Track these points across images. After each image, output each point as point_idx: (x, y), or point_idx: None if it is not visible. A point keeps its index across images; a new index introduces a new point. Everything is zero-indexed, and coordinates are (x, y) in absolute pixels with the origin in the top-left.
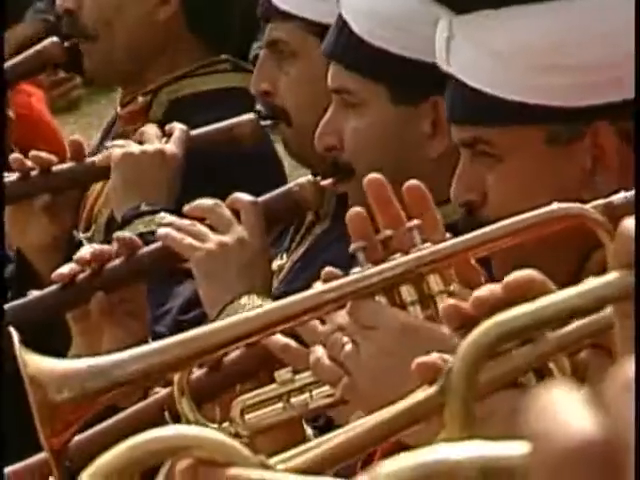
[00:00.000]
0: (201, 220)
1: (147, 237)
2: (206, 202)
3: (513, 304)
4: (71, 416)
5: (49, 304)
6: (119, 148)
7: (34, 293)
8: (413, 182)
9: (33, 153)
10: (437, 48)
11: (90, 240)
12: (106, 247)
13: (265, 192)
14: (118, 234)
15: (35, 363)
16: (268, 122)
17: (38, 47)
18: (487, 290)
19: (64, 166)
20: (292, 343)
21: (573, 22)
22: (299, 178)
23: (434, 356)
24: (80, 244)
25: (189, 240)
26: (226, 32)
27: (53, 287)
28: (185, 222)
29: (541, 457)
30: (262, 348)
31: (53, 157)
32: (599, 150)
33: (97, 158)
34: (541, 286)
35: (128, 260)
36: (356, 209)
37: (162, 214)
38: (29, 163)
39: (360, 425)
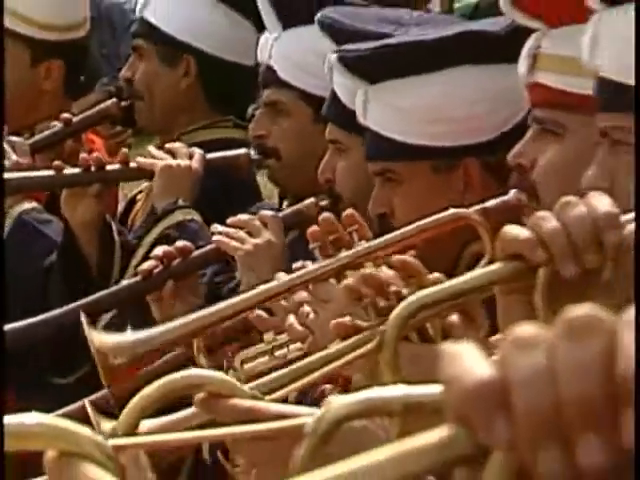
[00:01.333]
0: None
1: (185, 224)
2: (243, 216)
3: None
4: (125, 373)
5: (135, 290)
6: (161, 160)
7: (123, 282)
8: (350, 211)
9: (93, 154)
10: (356, 108)
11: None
12: (171, 248)
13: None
14: (177, 244)
15: (99, 338)
16: (258, 157)
17: (102, 106)
18: (380, 271)
19: (115, 166)
20: (264, 314)
21: (447, 89)
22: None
23: (347, 319)
24: (110, 224)
25: (234, 243)
26: (230, 99)
27: (137, 278)
28: (231, 230)
29: (451, 395)
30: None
31: (108, 158)
32: (468, 177)
33: (140, 161)
34: (414, 267)
35: (188, 258)
36: (314, 227)
37: (215, 225)
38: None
39: (317, 355)
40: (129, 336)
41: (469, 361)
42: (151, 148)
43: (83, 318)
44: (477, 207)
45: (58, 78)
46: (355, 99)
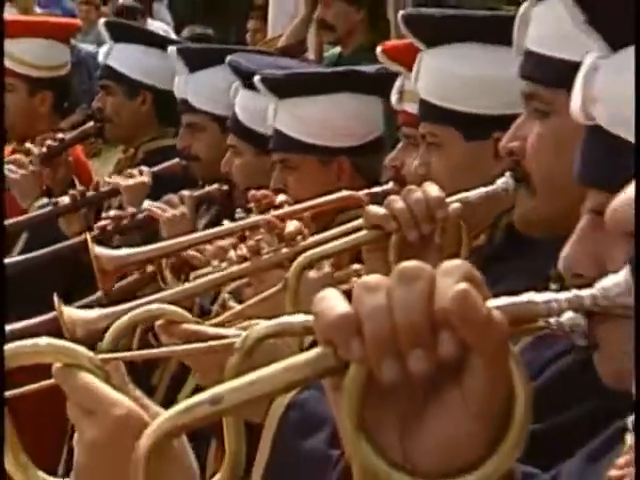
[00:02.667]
0: None
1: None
2: (169, 196)
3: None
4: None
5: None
6: (124, 181)
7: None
8: (262, 192)
9: (79, 188)
10: (268, 115)
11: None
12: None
13: None
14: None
15: (99, 250)
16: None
17: (84, 127)
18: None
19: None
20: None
21: (333, 105)
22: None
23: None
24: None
25: (159, 211)
26: (173, 117)
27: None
28: (159, 204)
29: (319, 325)
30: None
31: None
32: (340, 171)
33: (109, 181)
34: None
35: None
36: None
37: (148, 202)
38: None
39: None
40: (122, 251)
41: (332, 300)
42: (111, 177)
43: (89, 236)
44: (363, 192)
45: (49, 104)
46: (252, 114)
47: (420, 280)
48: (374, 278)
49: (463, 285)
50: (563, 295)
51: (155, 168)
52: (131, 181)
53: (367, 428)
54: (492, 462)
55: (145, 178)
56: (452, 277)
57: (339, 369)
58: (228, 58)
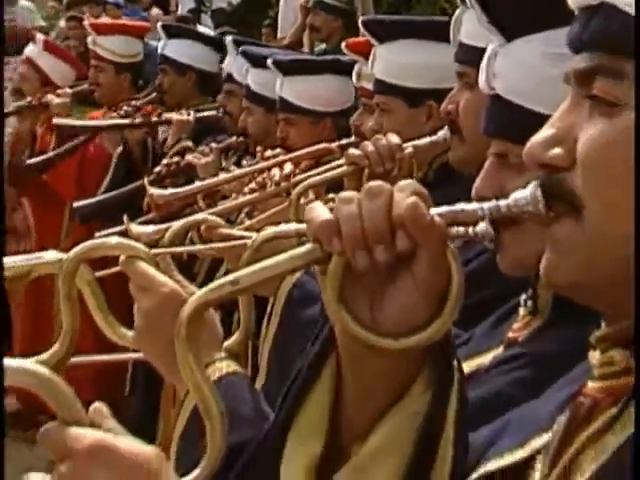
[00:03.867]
0: None
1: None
2: (202, 147)
3: None
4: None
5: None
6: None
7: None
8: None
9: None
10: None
11: None
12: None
13: None
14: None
15: (156, 192)
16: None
17: (151, 97)
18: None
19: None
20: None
21: (322, 84)
22: None
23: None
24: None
25: (196, 160)
26: (211, 90)
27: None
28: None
29: (310, 227)
30: None
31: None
32: (326, 129)
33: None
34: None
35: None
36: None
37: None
38: None
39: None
40: (169, 190)
41: (319, 210)
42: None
43: (146, 180)
44: (409, 143)
45: (128, 81)
46: (261, 85)
47: (382, 195)
48: (349, 193)
49: (413, 198)
50: (486, 204)
51: (197, 114)
52: (180, 117)
53: (345, 301)
54: (436, 324)
55: (190, 118)
56: (405, 192)
57: (324, 259)
58: (241, 47)
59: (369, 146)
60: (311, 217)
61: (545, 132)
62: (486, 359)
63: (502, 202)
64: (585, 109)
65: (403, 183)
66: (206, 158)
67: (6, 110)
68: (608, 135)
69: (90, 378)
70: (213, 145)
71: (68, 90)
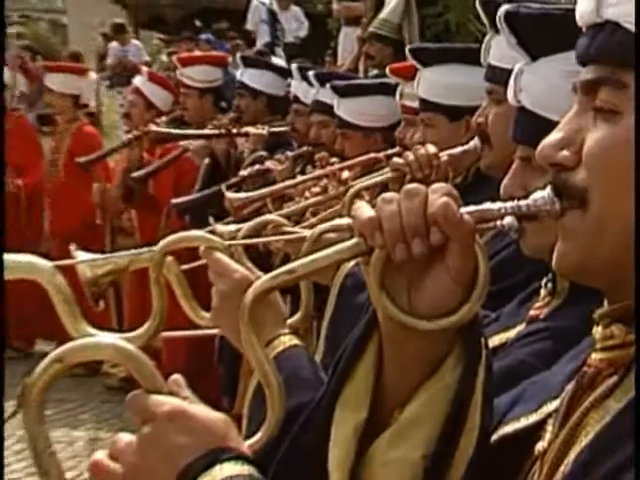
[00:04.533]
0: None
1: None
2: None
3: None
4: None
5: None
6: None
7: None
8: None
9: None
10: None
11: None
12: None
13: None
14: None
15: (232, 194)
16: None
17: (232, 116)
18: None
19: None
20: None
21: (374, 100)
22: None
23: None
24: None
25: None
26: (279, 110)
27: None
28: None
29: (355, 224)
30: None
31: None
32: (376, 142)
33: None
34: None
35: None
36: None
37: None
38: None
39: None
40: (243, 194)
41: (364, 209)
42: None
43: (224, 188)
44: (444, 152)
45: (210, 103)
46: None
47: (418, 195)
48: (390, 194)
49: (445, 198)
50: (509, 204)
51: (272, 129)
52: (256, 130)
53: (386, 289)
54: (465, 308)
55: (264, 131)
56: (438, 193)
57: (368, 252)
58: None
59: (410, 155)
60: (356, 215)
61: (555, 135)
62: (512, 334)
63: (522, 202)
64: (590, 115)
65: (436, 186)
66: (282, 165)
67: (118, 143)
68: (610, 139)
69: (184, 349)
70: (289, 153)
71: (164, 118)
